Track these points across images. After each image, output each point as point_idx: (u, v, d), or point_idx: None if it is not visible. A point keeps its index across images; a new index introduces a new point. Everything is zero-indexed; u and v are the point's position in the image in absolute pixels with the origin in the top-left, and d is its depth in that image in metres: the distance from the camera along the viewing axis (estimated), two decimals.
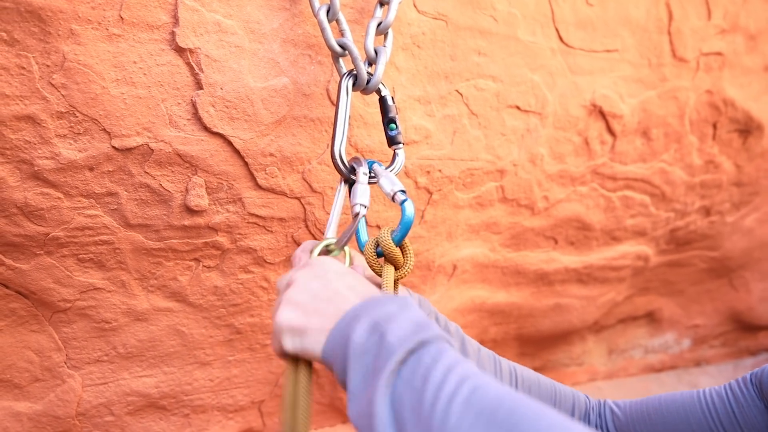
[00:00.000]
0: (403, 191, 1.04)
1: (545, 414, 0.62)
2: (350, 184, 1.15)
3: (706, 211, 2.18)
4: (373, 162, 1.13)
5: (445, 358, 0.72)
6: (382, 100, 1.17)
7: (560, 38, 1.56)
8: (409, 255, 1.05)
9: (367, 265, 1.06)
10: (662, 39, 1.74)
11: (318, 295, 0.86)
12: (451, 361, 0.71)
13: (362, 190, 1.06)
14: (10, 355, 1.27)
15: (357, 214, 1.03)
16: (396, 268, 1.04)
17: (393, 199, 1.05)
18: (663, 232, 2.13)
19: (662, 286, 2.45)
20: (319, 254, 1.01)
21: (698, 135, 1.93)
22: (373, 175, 1.12)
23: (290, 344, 0.85)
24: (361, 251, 1.07)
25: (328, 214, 1.37)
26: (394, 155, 1.18)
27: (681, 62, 1.79)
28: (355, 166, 1.12)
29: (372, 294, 0.85)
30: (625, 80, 1.71)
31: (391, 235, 1.02)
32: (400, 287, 1.03)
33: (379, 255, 1.05)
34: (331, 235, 1.07)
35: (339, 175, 1.14)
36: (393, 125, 1.16)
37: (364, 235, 1.13)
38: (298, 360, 0.88)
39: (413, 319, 0.78)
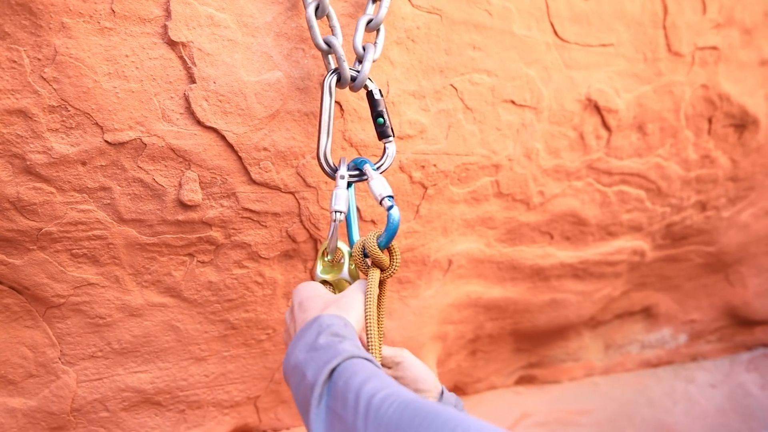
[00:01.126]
0: (390, 197, 1.07)
1: (444, 411, 0.70)
2: (348, 186, 1.17)
3: (702, 206, 2.18)
4: (365, 162, 1.14)
5: (354, 378, 0.80)
6: (370, 95, 1.18)
7: (555, 32, 1.56)
8: (396, 257, 1.09)
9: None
10: (657, 33, 1.73)
11: (286, 338, 1.05)
12: (361, 380, 0.79)
13: (339, 195, 1.09)
14: (3, 351, 1.27)
15: (334, 221, 1.07)
16: (382, 270, 1.08)
17: (380, 203, 1.08)
18: (659, 227, 2.13)
19: (658, 281, 2.45)
20: (320, 258, 1.13)
21: (694, 130, 1.93)
22: (354, 174, 1.15)
23: None
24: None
25: (323, 209, 1.37)
26: (384, 149, 1.19)
27: (676, 57, 1.79)
28: (338, 168, 1.14)
29: (302, 327, 0.93)
30: (620, 75, 1.71)
31: (377, 239, 1.06)
32: (447, 393, 1.09)
33: (366, 256, 1.09)
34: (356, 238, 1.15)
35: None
36: (381, 119, 1.18)
37: (356, 235, 1.15)
38: None
39: (327, 343, 0.87)
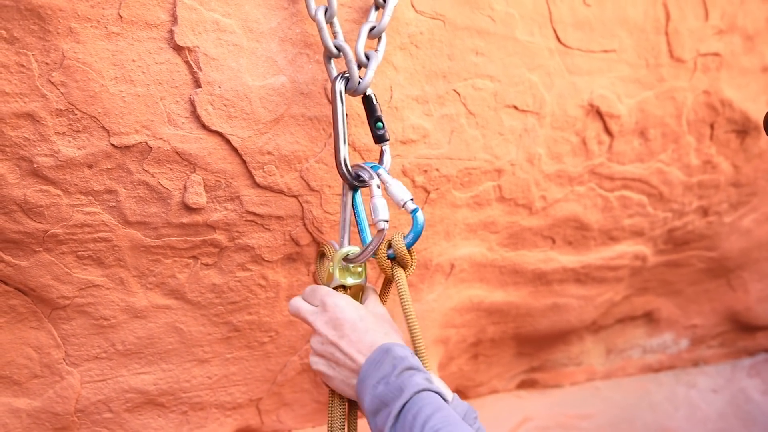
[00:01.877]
0: (412, 199, 1.10)
1: None
2: (354, 190, 1.18)
3: (704, 212, 2.18)
4: (377, 167, 1.16)
5: (422, 413, 0.91)
6: (367, 100, 1.19)
7: (558, 38, 1.57)
8: (414, 257, 1.15)
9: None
10: (660, 39, 1.74)
11: (334, 350, 1.06)
12: (426, 416, 0.90)
13: (381, 204, 1.08)
14: (9, 352, 1.28)
15: (381, 230, 1.08)
16: (404, 269, 1.14)
17: (403, 206, 1.10)
18: (661, 232, 2.14)
19: (660, 286, 2.45)
20: (337, 264, 1.15)
21: (696, 135, 1.94)
22: (363, 179, 1.16)
23: (325, 382, 1.12)
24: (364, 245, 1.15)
25: (326, 212, 1.38)
26: (382, 152, 1.21)
27: (678, 63, 1.79)
28: (361, 174, 1.15)
29: (373, 350, 1.02)
30: (622, 80, 1.72)
31: (404, 239, 1.11)
32: (457, 400, 1.14)
33: (389, 257, 1.13)
34: (346, 242, 1.18)
35: (342, 180, 1.18)
36: (380, 123, 1.19)
37: (368, 236, 1.17)
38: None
39: (402, 373, 0.97)
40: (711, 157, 2.02)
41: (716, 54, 1.85)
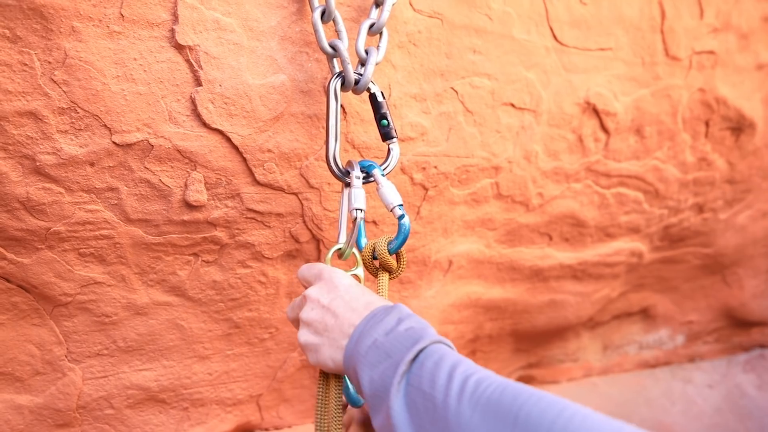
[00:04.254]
0: (401, 205, 1.11)
1: (547, 394, 0.69)
2: (348, 186, 1.19)
3: (699, 208, 2.20)
4: (374, 166, 1.17)
5: (445, 360, 0.79)
6: (372, 97, 1.20)
7: (554, 37, 1.58)
8: (402, 260, 1.15)
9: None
10: (655, 38, 1.76)
11: (325, 315, 0.97)
12: (453, 362, 0.78)
13: (357, 194, 1.13)
14: (11, 349, 1.29)
15: (356, 219, 1.11)
16: (390, 273, 1.14)
17: (391, 211, 1.12)
18: (657, 228, 2.15)
19: (656, 282, 2.47)
20: (332, 258, 1.13)
21: (691, 133, 1.96)
22: (366, 175, 1.17)
23: (311, 359, 0.99)
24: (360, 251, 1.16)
25: (326, 209, 1.39)
26: (389, 150, 1.21)
27: (674, 61, 1.81)
28: (349, 170, 1.16)
29: (372, 309, 0.94)
30: (618, 78, 1.73)
31: (388, 245, 1.11)
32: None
33: (375, 258, 1.13)
34: (343, 240, 1.18)
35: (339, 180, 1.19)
36: (384, 121, 1.20)
37: (363, 238, 1.18)
38: (327, 373, 1.03)
39: (410, 327, 0.87)
40: (706, 155, 2.04)
41: (711, 52, 1.87)
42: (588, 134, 1.75)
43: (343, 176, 1.17)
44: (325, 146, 1.17)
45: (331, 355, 0.94)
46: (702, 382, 2.67)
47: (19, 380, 1.32)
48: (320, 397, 1.04)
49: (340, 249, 1.15)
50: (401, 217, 1.09)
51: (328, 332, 0.95)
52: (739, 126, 2.03)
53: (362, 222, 1.16)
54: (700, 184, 2.10)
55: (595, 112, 1.72)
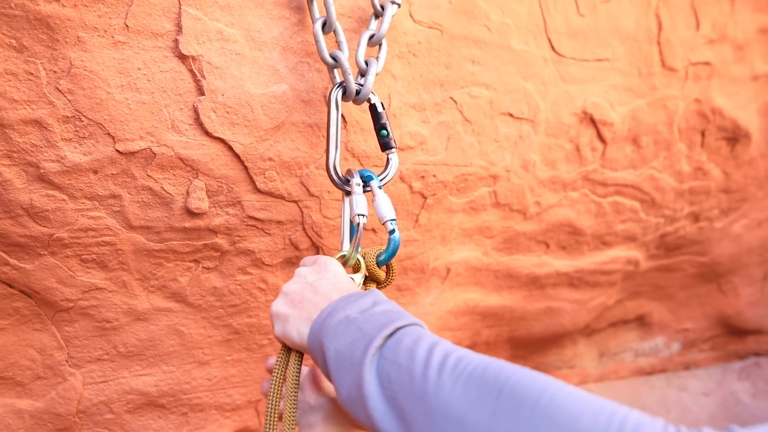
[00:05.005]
0: (393, 220, 1.13)
1: (529, 372, 0.68)
2: (348, 195, 1.21)
3: (695, 217, 2.22)
4: (372, 178, 1.18)
5: (424, 338, 0.78)
6: (373, 108, 1.21)
7: (552, 47, 1.60)
8: (392, 271, 1.17)
9: None
10: (652, 49, 1.78)
11: (305, 289, 0.97)
12: (433, 340, 0.77)
13: (359, 200, 1.13)
14: (13, 353, 1.30)
15: (358, 224, 1.11)
16: (378, 284, 1.16)
17: (383, 224, 1.13)
18: (653, 237, 2.17)
19: (652, 290, 2.49)
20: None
21: (687, 143, 1.98)
22: (365, 184, 1.18)
23: (276, 329, 0.98)
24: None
25: (325, 217, 1.40)
26: (388, 160, 1.23)
27: (670, 71, 1.83)
28: (349, 178, 1.18)
29: (351, 291, 0.94)
30: (615, 89, 1.75)
31: (377, 257, 1.13)
32: None
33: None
34: (346, 247, 1.19)
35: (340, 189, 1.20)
36: (384, 131, 1.21)
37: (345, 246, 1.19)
38: (289, 348, 1.02)
39: (388, 310, 0.87)
40: (702, 164, 2.06)
41: (707, 63, 1.89)
42: (585, 144, 1.76)
43: (343, 184, 1.19)
44: (325, 155, 1.19)
45: (297, 327, 0.93)
46: (697, 390, 2.69)
47: (20, 384, 1.33)
48: (277, 373, 1.02)
49: (344, 256, 1.15)
50: (392, 231, 1.11)
51: (302, 304, 0.95)
52: (735, 136, 2.05)
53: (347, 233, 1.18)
54: (696, 194, 2.12)
55: (592, 121, 1.73)
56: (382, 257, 1.12)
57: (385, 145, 1.23)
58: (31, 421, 1.35)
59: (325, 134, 1.32)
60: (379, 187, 1.17)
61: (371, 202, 1.15)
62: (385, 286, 1.16)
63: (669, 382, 2.71)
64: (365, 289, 1.13)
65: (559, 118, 1.67)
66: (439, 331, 1.85)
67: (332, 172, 1.18)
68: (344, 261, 1.16)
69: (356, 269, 1.15)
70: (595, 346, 2.58)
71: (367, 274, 1.14)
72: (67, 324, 1.32)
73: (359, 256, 1.14)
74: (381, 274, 1.13)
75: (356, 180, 1.17)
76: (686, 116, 1.92)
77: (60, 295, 1.26)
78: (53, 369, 1.34)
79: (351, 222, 1.19)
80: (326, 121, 1.30)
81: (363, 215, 1.12)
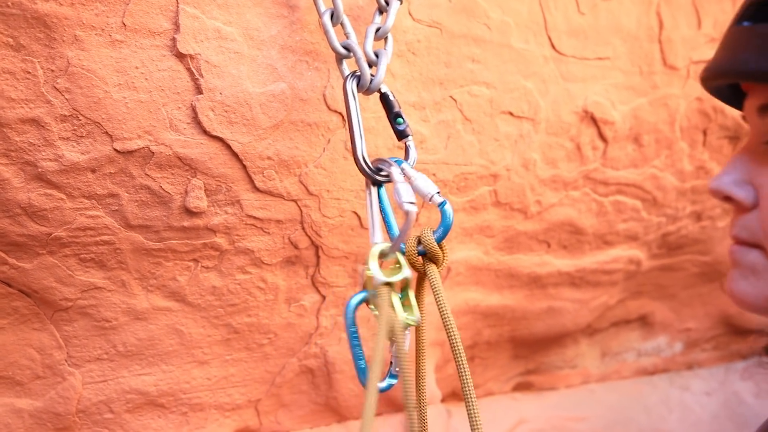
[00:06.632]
0: (439, 192, 1.07)
1: None
2: (378, 186, 1.15)
3: (698, 216, 2.21)
4: (401, 161, 1.13)
5: None
6: (384, 97, 1.19)
7: (552, 46, 1.59)
8: (446, 252, 1.08)
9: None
10: (653, 47, 1.77)
11: None
12: None
13: (405, 188, 1.04)
14: (12, 353, 1.30)
15: (408, 212, 1.01)
16: (437, 264, 1.08)
17: (430, 200, 1.07)
18: (655, 236, 2.16)
19: (654, 290, 2.48)
20: (373, 261, 1.03)
21: (689, 141, 1.97)
22: (384, 175, 1.13)
23: None
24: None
25: (324, 216, 1.40)
26: (407, 148, 1.19)
27: (671, 70, 1.82)
28: (382, 167, 1.13)
29: None
30: (616, 87, 1.75)
31: (432, 234, 1.06)
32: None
33: (419, 253, 1.07)
34: (378, 239, 1.08)
35: (364, 177, 1.14)
36: (400, 119, 1.18)
37: (396, 231, 1.11)
38: None
39: None
40: (704, 163, 2.05)
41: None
42: (586, 142, 1.76)
43: (374, 174, 1.12)
44: (351, 148, 1.13)
45: None
46: (700, 390, 2.68)
47: (19, 384, 1.33)
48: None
49: (382, 249, 1.04)
50: (443, 203, 1.05)
51: None
52: (737, 135, 2.04)
53: (394, 221, 1.11)
54: (698, 193, 2.11)
55: (593, 120, 1.73)
56: (438, 233, 1.05)
57: (401, 133, 1.18)
58: (30, 420, 1.35)
59: (324, 133, 1.32)
60: (412, 167, 1.11)
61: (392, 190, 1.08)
62: (443, 266, 1.08)
63: (672, 381, 2.70)
64: (422, 271, 1.07)
65: (559, 117, 1.66)
66: (440, 331, 1.84)
67: (362, 163, 1.12)
68: (382, 254, 1.05)
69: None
70: (597, 345, 2.57)
71: (422, 260, 1.06)
72: (66, 323, 1.31)
73: (400, 258, 1.05)
74: (440, 253, 1.06)
75: (396, 168, 1.08)
76: (688, 115, 1.91)
77: (59, 294, 1.26)
78: (52, 368, 1.34)
79: (382, 212, 1.12)
80: (327, 120, 1.31)
81: (413, 203, 1.02)
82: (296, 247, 1.42)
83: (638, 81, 1.78)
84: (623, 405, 2.51)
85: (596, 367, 2.60)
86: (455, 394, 2.24)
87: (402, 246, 1.07)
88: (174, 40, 1.11)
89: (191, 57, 1.13)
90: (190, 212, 1.25)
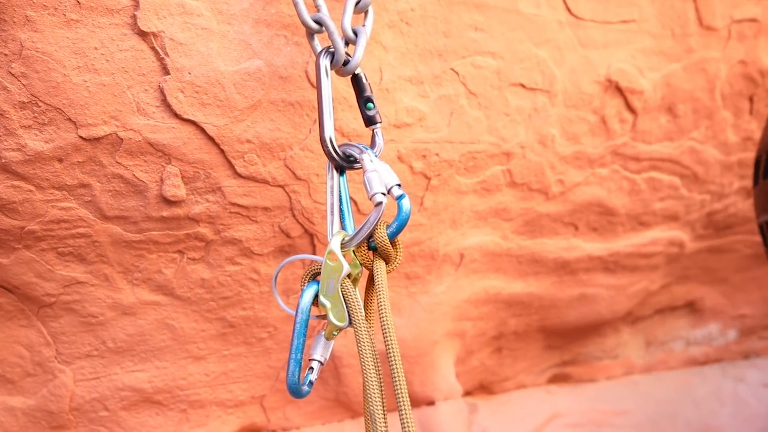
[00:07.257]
0: (399, 185, 0.99)
1: None
2: (341, 172, 1.08)
3: (747, 193, 2.02)
4: (366, 148, 1.06)
5: None
6: (356, 78, 1.10)
7: (568, 9, 1.45)
8: (399, 250, 1.02)
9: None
10: (687, 6, 1.60)
11: None
12: None
13: (376, 178, 0.99)
14: (0, 350, 1.27)
15: (380, 204, 0.97)
16: (387, 263, 1.01)
17: (389, 192, 0.99)
18: (698, 215, 1.99)
19: (703, 273, 2.29)
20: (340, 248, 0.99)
21: (732, 110, 1.79)
22: (351, 161, 1.07)
23: None
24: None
25: (316, 202, 1.31)
26: (374, 135, 1.11)
27: (709, 31, 1.65)
28: (351, 152, 1.06)
29: None
30: (644, 53, 1.59)
31: (387, 230, 0.99)
32: None
33: (370, 248, 1.01)
34: (336, 229, 1.03)
35: (330, 162, 1.07)
36: (370, 104, 1.10)
37: (350, 227, 1.07)
38: None
39: None
40: (751, 134, 1.86)
41: (753, 20, 1.69)
42: (612, 115, 1.61)
43: (341, 160, 1.06)
44: (319, 129, 1.05)
45: None
46: (756, 381, 2.47)
47: (11, 382, 1.31)
48: None
49: (344, 239, 1.00)
50: (400, 197, 0.98)
51: None
52: None
53: (350, 213, 1.05)
54: (746, 166, 1.92)
55: (619, 90, 1.58)
56: (392, 229, 0.98)
57: (370, 119, 1.11)
58: (24, 419, 1.33)
59: (309, 113, 1.23)
60: (376, 156, 1.04)
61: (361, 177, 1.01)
62: (393, 268, 1.01)
63: (724, 372, 2.50)
64: (370, 267, 1.00)
65: (579, 88, 1.52)
66: (458, 321, 1.74)
67: (329, 146, 1.04)
68: (343, 245, 1.01)
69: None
70: (641, 334, 2.40)
71: (373, 255, 1.01)
72: (52, 319, 1.28)
73: (335, 247, 0.99)
74: (392, 250, 1.00)
75: (368, 155, 1.02)
76: (730, 80, 1.73)
77: (41, 290, 1.22)
78: (42, 366, 1.31)
79: (341, 202, 1.06)
80: (311, 98, 1.22)
81: (385, 194, 0.98)
82: (288, 235, 1.34)
83: (670, 45, 1.61)
84: (669, 398, 2.33)
85: (640, 357, 2.43)
86: (483, 387, 2.12)
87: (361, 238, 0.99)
88: (134, 17, 1.04)
89: (154, 35, 1.06)
90: (168, 201, 1.19)
